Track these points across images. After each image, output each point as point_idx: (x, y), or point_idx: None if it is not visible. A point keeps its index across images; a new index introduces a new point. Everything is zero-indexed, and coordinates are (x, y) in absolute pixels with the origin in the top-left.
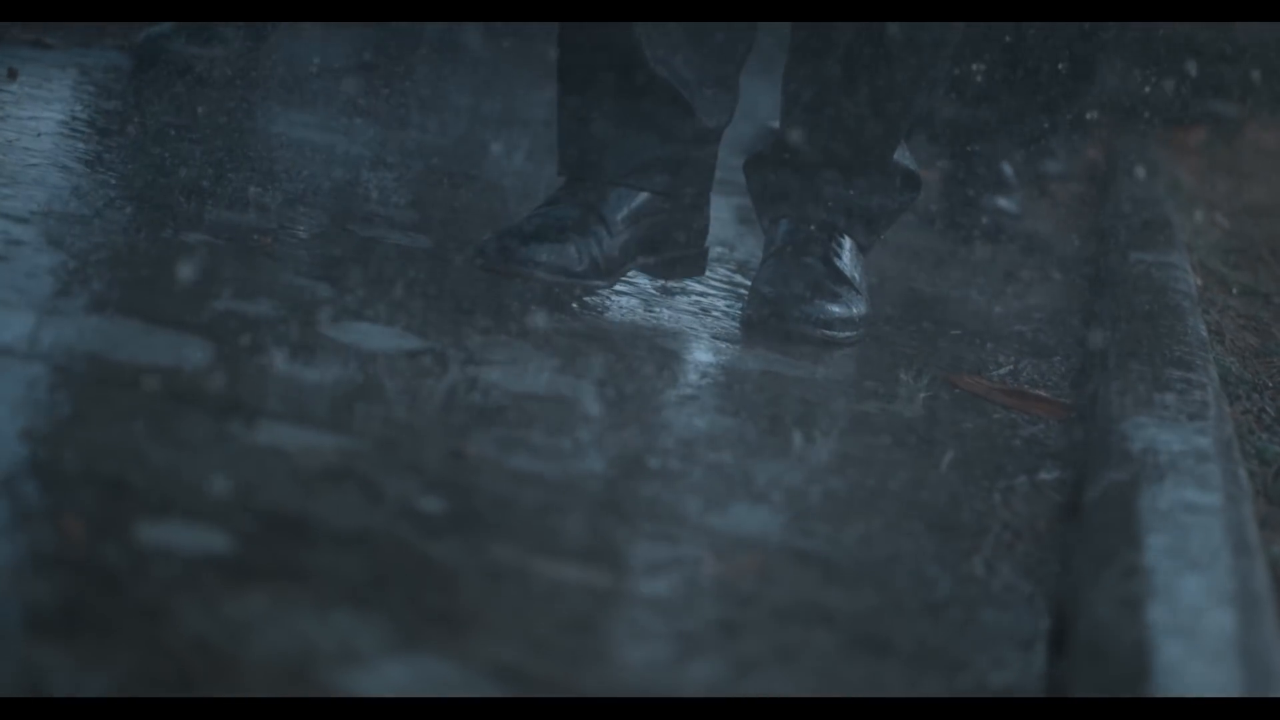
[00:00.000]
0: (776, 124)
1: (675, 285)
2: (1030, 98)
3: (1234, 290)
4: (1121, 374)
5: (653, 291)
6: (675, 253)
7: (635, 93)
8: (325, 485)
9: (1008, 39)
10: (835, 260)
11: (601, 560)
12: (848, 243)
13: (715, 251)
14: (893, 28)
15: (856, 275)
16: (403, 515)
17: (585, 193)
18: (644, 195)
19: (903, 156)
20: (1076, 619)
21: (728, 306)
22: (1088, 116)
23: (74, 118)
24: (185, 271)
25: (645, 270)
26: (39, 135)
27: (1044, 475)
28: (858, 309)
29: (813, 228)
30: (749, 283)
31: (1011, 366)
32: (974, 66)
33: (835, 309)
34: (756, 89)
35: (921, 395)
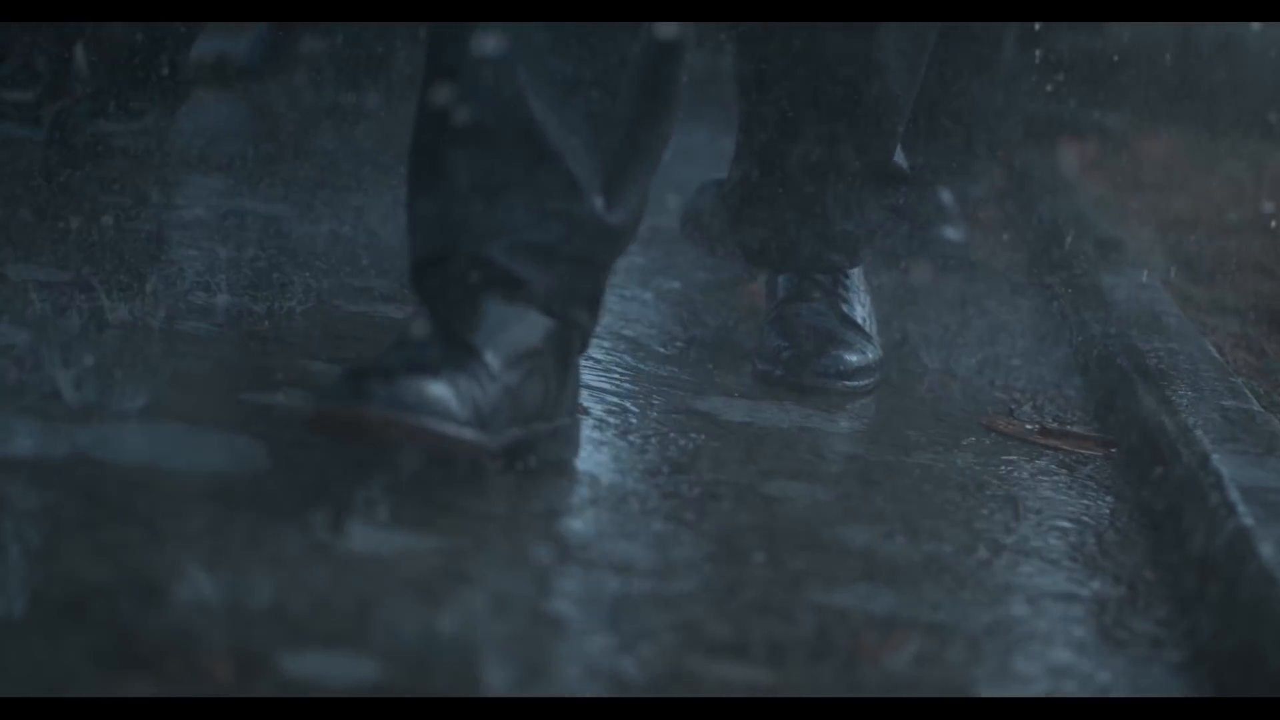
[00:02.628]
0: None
1: (669, 338)
2: (958, 126)
3: (1204, 307)
4: (1168, 408)
5: (659, 349)
6: (542, 423)
7: (510, 152)
8: (442, 592)
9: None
10: (843, 305)
11: (750, 654)
12: (852, 280)
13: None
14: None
15: (866, 318)
16: (536, 621)
17: (448, 320)
18: (524, 329)
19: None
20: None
21: (730, 360)
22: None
23: (6, 197)
24: (199, 365)
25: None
26: None
27: (1124, 520)
28: (872, 354)
29: (817, 275)
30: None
31: (1031, 403)
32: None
33: (852, 358)
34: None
35: (965, 441)
